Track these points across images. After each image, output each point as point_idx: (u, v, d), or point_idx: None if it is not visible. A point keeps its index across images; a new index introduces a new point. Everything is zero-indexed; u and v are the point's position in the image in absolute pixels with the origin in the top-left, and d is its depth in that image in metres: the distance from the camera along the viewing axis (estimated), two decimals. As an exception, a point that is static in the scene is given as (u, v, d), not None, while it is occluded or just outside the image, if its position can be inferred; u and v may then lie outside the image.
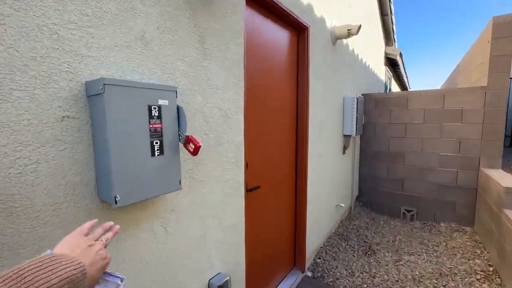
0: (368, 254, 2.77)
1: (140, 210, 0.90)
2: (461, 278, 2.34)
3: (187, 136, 0.87)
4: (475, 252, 2.73)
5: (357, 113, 2.95)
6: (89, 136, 0.76)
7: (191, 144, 0.86)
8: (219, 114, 1.24)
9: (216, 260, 1.26)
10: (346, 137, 3.14)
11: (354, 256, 2.73)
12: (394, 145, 3.81)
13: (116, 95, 0.72)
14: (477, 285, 2.23)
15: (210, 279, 1.21)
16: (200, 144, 0.85)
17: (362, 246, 2.94)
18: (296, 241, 2.39)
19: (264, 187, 1.82)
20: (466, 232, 3.20)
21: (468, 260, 2.60)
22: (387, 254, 2.78)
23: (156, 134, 0.83)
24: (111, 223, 0.60)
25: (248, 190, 1.61)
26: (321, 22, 2.32)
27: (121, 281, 0.52)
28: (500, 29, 3.01)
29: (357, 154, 3.96)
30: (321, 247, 2.82)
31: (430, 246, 2.93)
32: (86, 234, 0.54)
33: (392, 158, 3.84)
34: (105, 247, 0.54)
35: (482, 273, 2.38)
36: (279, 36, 1.87)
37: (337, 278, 2.36)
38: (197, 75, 1.10)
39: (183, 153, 1.01)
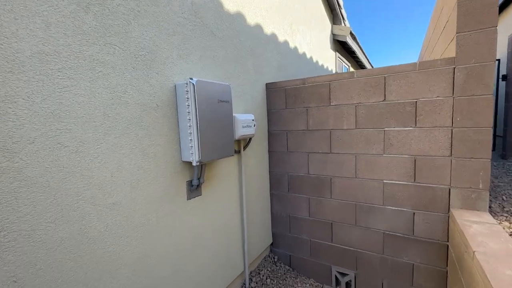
0: None
1: None
2: None
3: None
4: None
5: (197, 118, 1.41)
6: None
7: None
8: None
9: None
10: (187, 163, 1.59)
11: None
12: (316, 165, 2.31)
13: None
14: None
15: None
16: None
17: None
18: None
19: None
20: (432, 329, 1.72)
21: None
22: None
23: None
24: None
25: None
26: None
27: None
28: None
29: (250, 183, 2.43)
30: None
31: None
32: None
33: (315, 187, 2.33)
34: None
35: None
36: None
37: None
38: None
39: None
